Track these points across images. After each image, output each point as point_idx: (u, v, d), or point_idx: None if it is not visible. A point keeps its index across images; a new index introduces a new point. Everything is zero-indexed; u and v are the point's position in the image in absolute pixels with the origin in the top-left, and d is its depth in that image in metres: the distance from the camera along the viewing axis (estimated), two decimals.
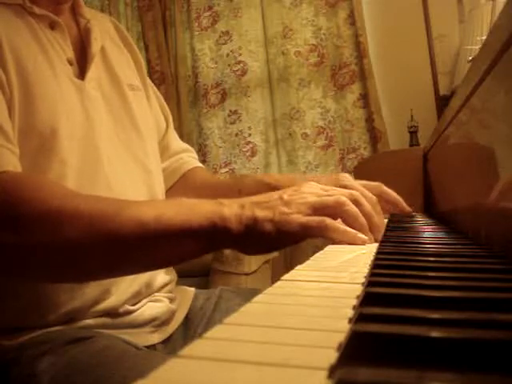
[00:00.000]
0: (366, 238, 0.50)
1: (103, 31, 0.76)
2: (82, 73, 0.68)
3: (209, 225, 0.49)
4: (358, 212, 0.52)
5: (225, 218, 0.49)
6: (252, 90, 2.60)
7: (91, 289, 0.60)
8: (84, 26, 0.73)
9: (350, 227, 0.51)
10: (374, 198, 0.58)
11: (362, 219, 0.52)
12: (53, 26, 0.67)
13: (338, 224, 0.50)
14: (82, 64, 0.69)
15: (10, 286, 0.57)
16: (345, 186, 0.60)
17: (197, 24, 2.67)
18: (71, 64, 0.67)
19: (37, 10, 0.65)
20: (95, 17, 0.77)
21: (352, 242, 0.50)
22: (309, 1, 2.51)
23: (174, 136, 0.90)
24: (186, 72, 2.68)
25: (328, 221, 0.49)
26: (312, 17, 2.52)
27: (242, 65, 2.61)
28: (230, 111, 2.62)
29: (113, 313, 0.62)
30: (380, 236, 0.54)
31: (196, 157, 0.92)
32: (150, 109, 0.81)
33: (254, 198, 0.52)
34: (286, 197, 0.51)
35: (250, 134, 2.58)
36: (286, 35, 2.54)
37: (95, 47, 0.71)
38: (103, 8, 2.74)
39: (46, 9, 0.66)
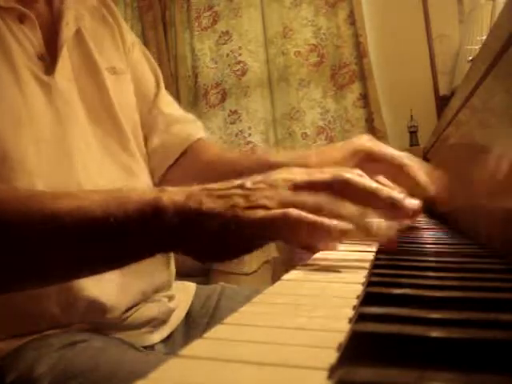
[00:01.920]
0: (347, 225, 0.38)
1: (83, 9, 0.70)
2: (53, 66, 0.62)
3: (138, 217, 0.39)
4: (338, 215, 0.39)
5: (160, 207, 0.39)
6: (252, 90, 2.60)
7: (83, 303, 0.57)
8: (57, 10, 0.66)
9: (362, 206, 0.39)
10: (390, 189, 0.42)
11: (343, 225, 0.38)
12: (22, 18, 0.61)
13: (307, 213, 0.38)
14: (54, 55, 0.63)
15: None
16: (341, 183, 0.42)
17: (197, 24, 2.67)
18: (42, 58, 0.62)
19: (2, 2, 0.59)
20: None
21: (329, 236, 0.39)
22: (309, 1, 2.52)
23: (166, 103, 0.79)
24: (186, 72, 2.68)
25: (292, 212, 0.37)
26: (312, 17, 2.52)
27: (241, 65, 2.61)
28: (230, 111, 2.62)
29: (108, 321, 0.60)
30: (409, 208, 0.41)
31: (199, 125, 0.80)
32: (134, 79, 0.74)
33: (210, 185, 0.41)
34: (249, 185, 0.40)
35: (250, 134, 2.58)
36: (285, 35, 2.54)
37: (66, 34, 0.64)
38: None
39: (16, 0, 0.61)
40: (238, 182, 0.41)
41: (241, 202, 0.39)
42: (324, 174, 0.41)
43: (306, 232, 0.38)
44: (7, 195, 0.43)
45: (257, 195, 0.39)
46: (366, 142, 0.64)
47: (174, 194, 0.40)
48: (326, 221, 0.38)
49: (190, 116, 0.81)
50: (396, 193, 0.41)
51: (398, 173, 0.61)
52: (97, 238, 0.41)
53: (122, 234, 0.40)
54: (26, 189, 0.51)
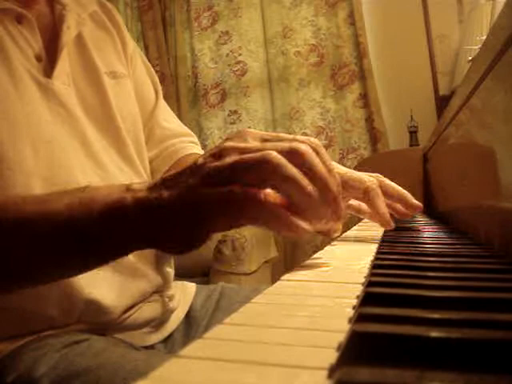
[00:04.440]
0: (305, 225, 0.35)
1: (84, 14, 0.70)
2: (51, 68, 0.62)
3: (104, 218, 0.39)
4: (297, 174, 0.35)
5: (124, 207, 0.38)
6: (252, 90, 2.60)
7: (82, 303, 0.57)
8: (58, 14, 0.66)
9: (291, 201, 0.35)
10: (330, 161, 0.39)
11: (306, 184, 0.35)
12: (20, 19, 0.61)
13: (255, 192, 0.34)
14: (53, 58, 0.63)
15: None
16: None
17: (197, 24, 2.67)
18: (40, 60, 0.62)
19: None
20: None
21: (282, 228, 0.35)
22: (309, 1, 2.52)
23: (164, 116, 0.80)
24: (186, 72, 2.68)
25: (236, 190, 0.34)
26: (312, 17, 2.52)
27: (241, 65, 2.61)
28: (230, 111, 2.62)
29: (107, 322, 0.60)
30: (341, 214, 0.38)
31: (194, 141, 0.82)
32: (134, 88, 0.75)
33: (168, 174, 0.40)
34: (199, 161, 0.38)
35: None
36: (285, 35, 2.54)
37: (66, 37, 0.65)
38: None
39: (15, 0, 0.61)
40: (192, 164, 0.38)
41: (191, 182, 0.37)
42: (278, 143, 0.37)
43: (261, 212, 0.34)
44: None
45: (205, 171, 0.36)
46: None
47: (138, 190, 0.39)
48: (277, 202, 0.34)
49: (186, 130, 0.82)
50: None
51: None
52: (66, 241, 0.41)
53: (89, 237, 0.40)
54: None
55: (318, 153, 0.37)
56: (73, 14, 0.67)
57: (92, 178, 0.61)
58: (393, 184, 0.62)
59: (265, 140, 0.38)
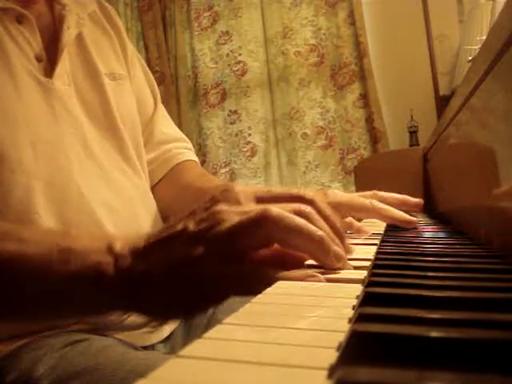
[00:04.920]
0: (320, 277, 0.33)
1: (84, 14, 0.69)
2: (52, 68, 0.62)
3: (81, 281, 0.37)
4: (301, 221, 0.34)
5: (103, 274, 0.36)
6: (252, 90, 2.60)
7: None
8: (58, 14, 0.66)
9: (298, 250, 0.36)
10: (338, 218, 0.39)
11: (313, 229, 0.34)
12: (20, 19, 0.61)
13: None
14: (53, 58, 0.63)
15: None
16: (306, 201, 0.38)
17: (197, 24, 2.67)
18: (40, 60, 0.61)
19: (0, 3, 0.59)
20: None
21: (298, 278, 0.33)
22: (309, 1, 2.52)
23: (162, 121, 0.80)
24: (186, 72, 2.68)
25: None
26: (312, 17, 2.52)
27: (241, 65, 2.61)
28: (230, 111, 2.62)
29: (106, 322, 0.59)
30: (343, 263, 0.36)
31: (189, 147, 0.83)
32: (134, 94, 0.75)
33: (154, 234, 0.37)
34: (191, 227, 0.35)
35: (249, 134, 2.59)
36: (285, 35, 2.54)
37: (67, 38, 0.64)
38: None
39: (15, 0, 0.60)
40: (180, 225, 0.36)
41: (185, 249, 0.34)
42: (252, 214, 0.35)
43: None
44: None
45: (200, 237, 0.34)
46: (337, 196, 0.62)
47: (121, 257, 0.36)
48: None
49: (181, 135, 0.83)
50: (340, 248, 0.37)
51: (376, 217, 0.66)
52: (39, 289, 0.39)
53: (63, 294, 0.38)
54: None
55: (312, 204, 0.37)
56: (72, 14, 0.67)
57: (92, 179, 0.62)
58: (390, 194, 0.68)
59: (258, 198, 0.37)
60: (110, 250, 0.37)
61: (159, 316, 0.39)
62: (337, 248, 0.36)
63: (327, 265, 0.35)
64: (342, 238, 0.38)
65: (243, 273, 0.34)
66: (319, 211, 0.37)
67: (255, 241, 0.34)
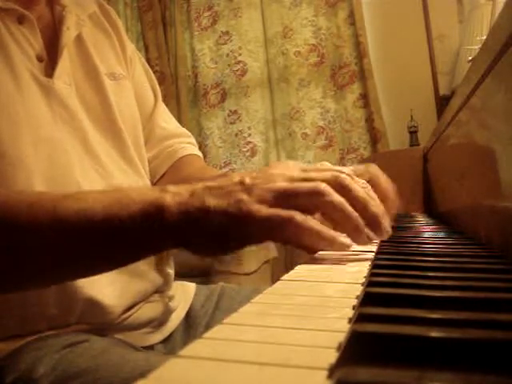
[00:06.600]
0: (348, 241, 0.41)
1: (84, 15, 0.70)
2: (52, 68, 0.63)
3: (142, 217, 0.40)
4: (344, 202, 0.41)
5: (163, 208, 0.40)
6: (252, 90, 2.60)
7: (81, 303, 0.57)
8: (58, 15, 0.67)
9: (336, 224, 0.42)
10: (367, 184, 0.47)
11: (351, 211, 0.41)
12: (21, 20, 0.61)
13: (312, 222, 0.40)
14: (53, 58, 0.63)
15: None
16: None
17: (197, 24, 2.67)
18: (41, 60, 0.62)
19: (1, 3, 0.59)
20: (77, 0, 0.70)
21: (330, 247, 0.40)
22: (309, 1, 2.52)
23: (163, 117, 0.81)
24: (186, 72, 2.68)
25: (298, 217, 0.39)
26: (312, 17, 2.52)
27: (241, 65, 2.61)
28: (230, 111, 2.62)
29: (107, 322, 0.60)
30: (384, 232, 0.43)
31: (192, 141, 0.83)
32: (134, 90, 0.76)
33: (210, 183, 0.42)
34: (248, 180, 0.41)
35: (249, 134, 2.59)
36: (285, 35, 2.54)
37: (66, 38, 0.65)
38: None
39: (16, 1, 0.61)
40: (237, 178, 0.41)
41: (244, 197, 0.39)
42: (321, 173, 0.43)
43: (309, 238, 0.39)
44: (13, 200, 0.44)
45: (255, 190, 0.40)
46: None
47: (176, 193, 0.41)
48: (330, 232, 0.40)
49: (184, 130, 0.83)
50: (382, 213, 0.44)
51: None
52: (101, 239, 0.42)
53: (125, 235, 0.41)
54: (30, 192, 0.51)
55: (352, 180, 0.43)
56: (72, 15, 0.68)
57: (92, 178, 0.62)
58: (382, 177, 0.58)
59: (305, 170, 0.43)
60: (164, 190, 0.42)
61: (205, 252, 0.42)
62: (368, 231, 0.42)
63: (359, 243, 0.42)
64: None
65: (292, 219, 0.39)
66: (346, 195, 0.42)
67: (302, 205, 0.40)
